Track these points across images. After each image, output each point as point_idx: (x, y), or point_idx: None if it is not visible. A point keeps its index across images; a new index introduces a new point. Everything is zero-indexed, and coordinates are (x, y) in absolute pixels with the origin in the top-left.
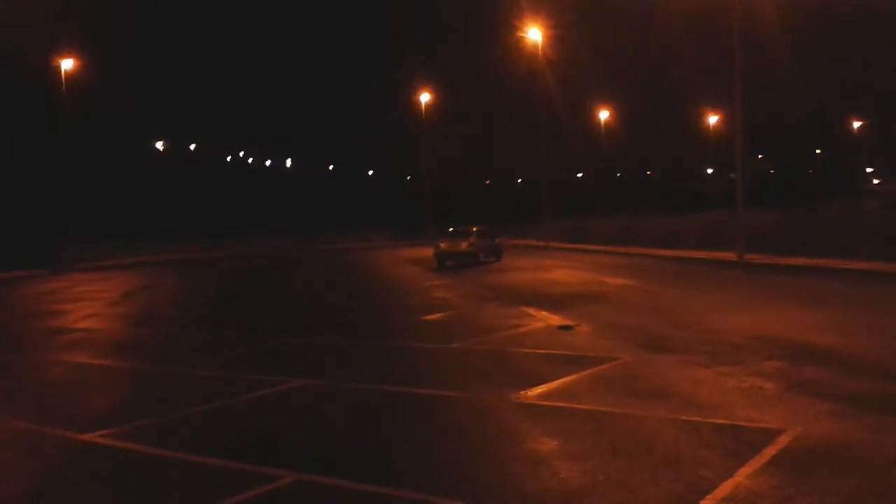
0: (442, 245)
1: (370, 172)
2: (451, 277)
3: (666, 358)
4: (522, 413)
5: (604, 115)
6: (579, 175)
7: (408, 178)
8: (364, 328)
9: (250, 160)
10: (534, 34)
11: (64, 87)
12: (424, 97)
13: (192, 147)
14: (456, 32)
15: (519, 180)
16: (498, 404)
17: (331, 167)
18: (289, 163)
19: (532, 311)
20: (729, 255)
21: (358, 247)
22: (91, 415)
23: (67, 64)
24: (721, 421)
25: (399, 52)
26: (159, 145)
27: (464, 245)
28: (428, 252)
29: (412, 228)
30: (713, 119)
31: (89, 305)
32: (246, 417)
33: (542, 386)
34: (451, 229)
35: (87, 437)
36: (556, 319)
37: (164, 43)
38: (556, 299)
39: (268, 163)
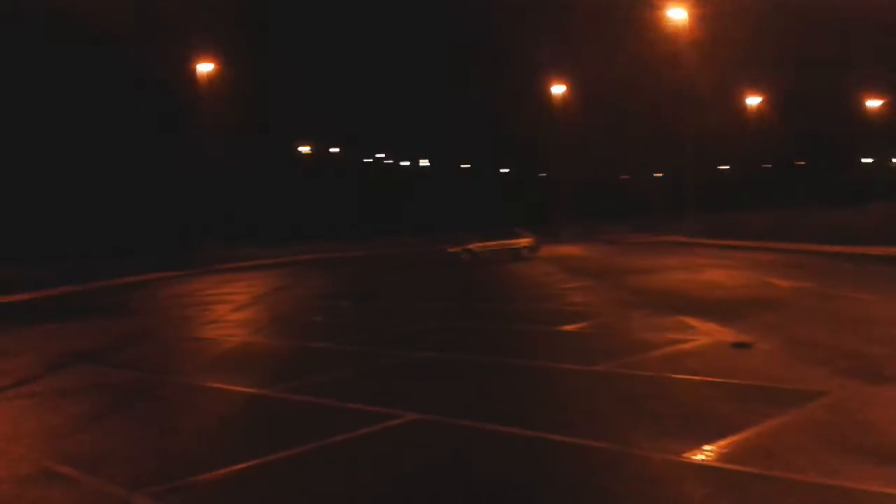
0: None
1: (503, 170)
2: (591, 279)
3: (892, 391)
4: (704, 484)
5: (753, 101)
6: (723, 167)
7: (540, 175)
8: (492, 341)
9: (387, 161)
10: (677, 14)
11: (203, 91)
12: (557, 89)
13: (335, 150)
14: (589, 16)
15: (657, 174)
16: (666, 467)
17: (463, 166)
18: (424, 163)
19: (692, 321)
20: None
21: None
22: (147, 463)
23: (206, 67)
24: None
25: (530, 40)
26: (303, 149)
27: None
28: (563, 250)
29: (545, 226)
30: (875, 103)
31: (213, 310)
32: (331, 472)
33: (728, 437)
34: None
35: (133, 498)
36: (725, 333)
37: (306, 49)
38: (718, 306)
39: (405, 164)
